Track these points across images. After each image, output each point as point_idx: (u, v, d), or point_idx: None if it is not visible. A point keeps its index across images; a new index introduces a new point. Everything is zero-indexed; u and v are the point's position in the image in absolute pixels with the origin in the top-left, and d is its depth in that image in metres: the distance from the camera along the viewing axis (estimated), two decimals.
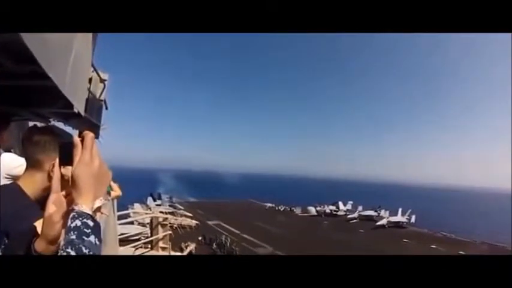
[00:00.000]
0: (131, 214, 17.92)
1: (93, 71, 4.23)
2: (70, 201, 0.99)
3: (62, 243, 0.88)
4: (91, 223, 0.91)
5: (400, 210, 49.44)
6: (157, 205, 43.46)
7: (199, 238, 29.77)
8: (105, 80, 4.87)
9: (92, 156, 0.98)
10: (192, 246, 21.03)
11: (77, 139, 0.99)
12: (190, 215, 41.04)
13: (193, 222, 37.13)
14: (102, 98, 5.00)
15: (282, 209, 58.58)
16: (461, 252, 30.38)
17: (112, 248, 5.30)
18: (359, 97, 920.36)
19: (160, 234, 10.03)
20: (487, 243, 36.59)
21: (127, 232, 10.35)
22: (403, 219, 47.53)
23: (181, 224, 34.81)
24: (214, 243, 28.84)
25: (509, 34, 1.27)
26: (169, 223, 12.74)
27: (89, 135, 0.99)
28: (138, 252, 9.18)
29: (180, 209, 45.29)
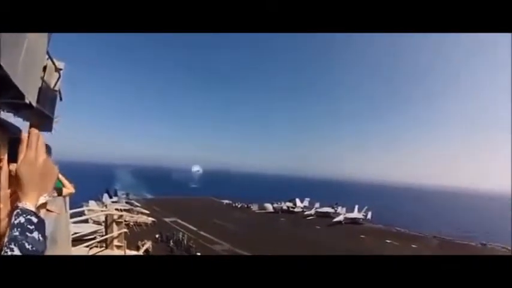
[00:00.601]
0: (86, 212, 17.10)
1: (48, 59, 3.95)
2: (16, 198, 1.00)
3: (5, 239, 0.88)
4: (34, 219, 0.93)
5: (356, 207, 51.58)
6: (113, 202, 41.72)
7: (156, 236, 29.07)
8: (61, 69, 4.55)
9: (37, 154, 1.00)
10: (148, 244, 20.54)
11: (24, 135, 1.00)
12: (147, 212, 39.92)
13: (150, 219, 36.17)
14: (56, 88, 4.67)
15: (239, 206, 58.80)
16: (413, 246, 32.85)
17: (64, 248, 5.04)
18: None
19: (115, 233, 9.73)
20: (438, 237, 39.40)
21: (81, 231, 9.87)
22: (360, 215, 49.53)
23: (137, 222, 33.81)
24: (171, 241, 28.28)
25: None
26: (125, 221, 12.35)
27: (33, 132, 1.01)
28: (92, 252, 8.82)
29: (137, 206, 43.90)
